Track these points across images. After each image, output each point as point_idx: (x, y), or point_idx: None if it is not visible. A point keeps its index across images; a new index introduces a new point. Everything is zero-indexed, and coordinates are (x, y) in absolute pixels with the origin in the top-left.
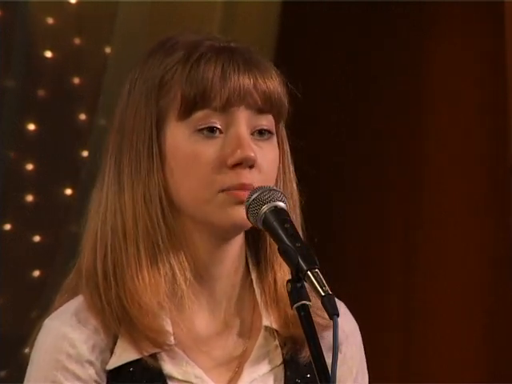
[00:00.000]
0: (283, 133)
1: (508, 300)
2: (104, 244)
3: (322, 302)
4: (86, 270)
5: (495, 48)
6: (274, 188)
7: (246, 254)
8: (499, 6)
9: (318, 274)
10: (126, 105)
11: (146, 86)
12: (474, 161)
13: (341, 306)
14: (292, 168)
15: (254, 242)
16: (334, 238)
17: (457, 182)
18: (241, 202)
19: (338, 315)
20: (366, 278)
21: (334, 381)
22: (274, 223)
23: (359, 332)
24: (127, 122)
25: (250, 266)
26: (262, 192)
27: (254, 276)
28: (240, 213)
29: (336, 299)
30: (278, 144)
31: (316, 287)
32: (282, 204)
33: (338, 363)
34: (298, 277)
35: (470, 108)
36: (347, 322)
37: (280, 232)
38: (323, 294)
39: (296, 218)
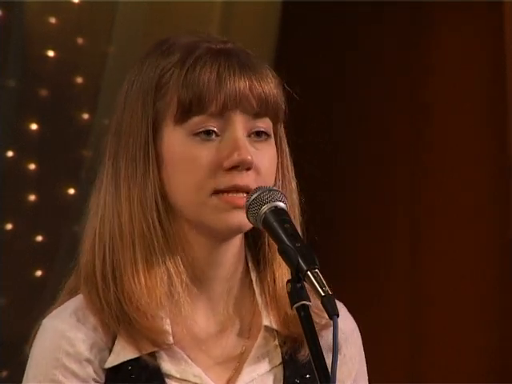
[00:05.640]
0: (282, 133)
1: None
2: (102, 246)
3: (322, 302)
4: (85, 271)
5: (495, 48)
6: (274, 188)
7: (245, 254)
8: (499, 6)
9: (317, 274)
10: (123, 107)
11: (142, 89)
12: (474, 160)
13: (340, 307)
14: (291, 168)
15: (254, 241)
16: (337, 238)
17: (456, 181)
18: (236, 207)
19: (338, 315)
20: (371, 276)
21: (334, 381)
22: (274, 223)
23: (359, 333)
24: (124, 124)
25: (250, 266)
26: (262, 192)
27: (253, 276)
28: (236, 217)
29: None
30: (276, 144)
31: (316, 287)
32: (281, 204)
33: (339, 364)
34: (297, 277)
35: (470, 108)
36: (346, 323)
37: (280, 232)
38: (323, 294)
39: (295, 217)
